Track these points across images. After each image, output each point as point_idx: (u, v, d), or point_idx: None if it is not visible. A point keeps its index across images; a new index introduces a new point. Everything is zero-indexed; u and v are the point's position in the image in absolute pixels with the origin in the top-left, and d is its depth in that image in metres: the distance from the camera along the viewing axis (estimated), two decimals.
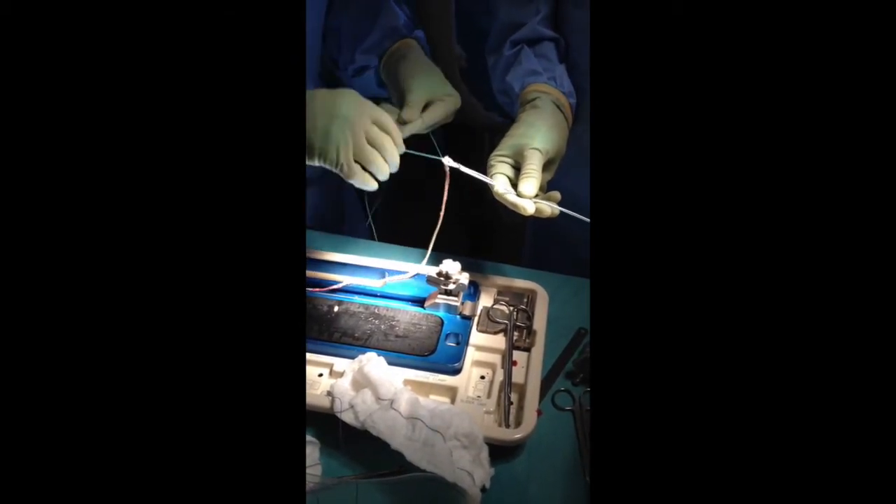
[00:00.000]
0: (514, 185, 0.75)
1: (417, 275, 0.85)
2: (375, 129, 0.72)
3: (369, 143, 0.71)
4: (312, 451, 0.67)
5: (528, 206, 0.73)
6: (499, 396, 0.74)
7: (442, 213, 0.76)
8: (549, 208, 0.74)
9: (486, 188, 0.77)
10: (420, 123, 0.80)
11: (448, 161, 0.74)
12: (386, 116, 0.73)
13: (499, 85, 0.92)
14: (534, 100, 0.84)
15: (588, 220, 0.71)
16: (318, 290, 0.85)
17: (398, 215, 1.29)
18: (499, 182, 0.75)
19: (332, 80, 1.01)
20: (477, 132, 1.38)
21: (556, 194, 0.77)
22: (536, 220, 0.77)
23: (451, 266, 0.81)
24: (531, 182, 0.73)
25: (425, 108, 0.81)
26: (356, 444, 0.68)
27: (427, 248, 0.95)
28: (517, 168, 0.76)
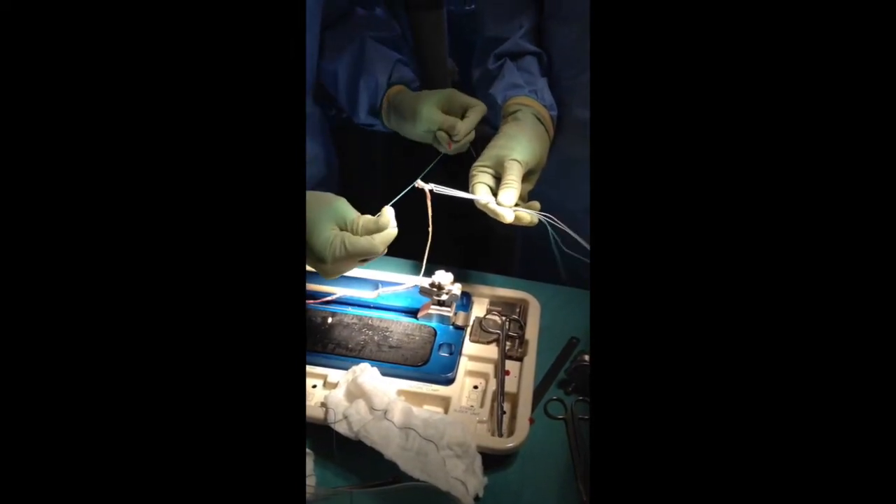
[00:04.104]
0: (496, 194, 0.77)
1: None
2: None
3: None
4: (307, 462, 0.68)
5: (508, 215, 0.75)
6: (492, 406, 0.75)
7: (430, 231, 0.78)
8: (529, 216, 0.76)
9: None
10: (465, 141, 0.84)
11: (423, 185, 0.76)
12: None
13: (483, 98, 0.94)
14: (515, 112, 0.86)
15: (569, 230, 0.73)
16: (312, 301, 0.85)
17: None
18: (479, 192, 0.77)
19: (325, 100, 1.03)
20: (470, 142, 1.39)
21: (536, 204, 0.78)
22: (527, 231, 0.78)
23: (443, 277, 0.82)
24: (511, 192, 0.75)
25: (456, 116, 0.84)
26: (350, 454, 0.68)
27: (420, 259, 0.96)
28: (498, 178, 0.78)
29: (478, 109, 0.83)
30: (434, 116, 0.83)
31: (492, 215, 0.76)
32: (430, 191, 0.75)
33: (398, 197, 0.74)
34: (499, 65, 0.92)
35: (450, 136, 0.82)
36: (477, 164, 0.79)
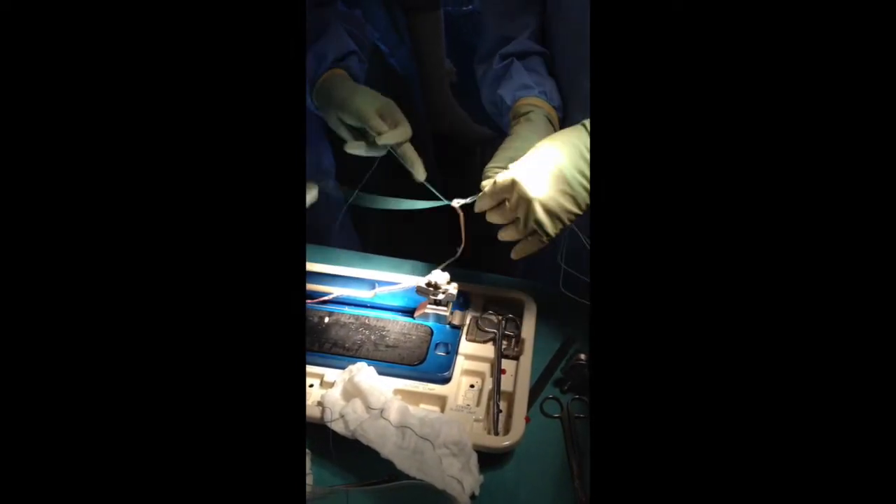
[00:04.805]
0: None
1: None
2: None
3: None
4: None
5: None
6: (488, 404, 0.75)
7: (459, 250, 0.79)
8: None
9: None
10: (394, 135, 0.81)
11: (457, 203, 0.77)
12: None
13: (489, 96, 0.94)
14: (527, 113, 0.85)
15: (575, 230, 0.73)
16: (309, 301, 0.86)
17: (388, 227, 1.31)
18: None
19: None
20: (468, 145, 1.39)
21: None
22: None
23: (439, 276, 0.82)
24: None
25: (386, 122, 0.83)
26: (347, 453, 0.69)
27: (416, 259, 0.96)
28: None
29: (405, 130, 0.82)
30: (367, 111, 0.81)
31: None
32: (461, 208, 0.76)
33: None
34: (505, 64, 0.92)
35: (374, 134, 0.81)
36: (491, 164, 0.79)
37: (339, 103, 0.84)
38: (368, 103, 0.82)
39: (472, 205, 0.77)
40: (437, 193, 0.78)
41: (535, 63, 0.92)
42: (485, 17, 0.97)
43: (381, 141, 0.81)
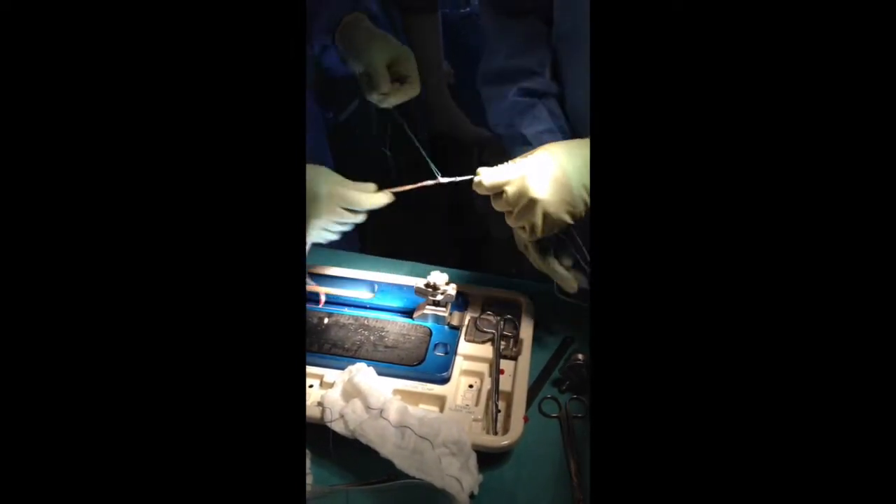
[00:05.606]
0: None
1: (406, 286, 0.87)
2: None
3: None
4: None
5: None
6: (486, 404, 0.75)
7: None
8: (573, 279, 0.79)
9: (475, 202, 0.79)
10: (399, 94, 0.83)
11: (444, 180, 0.79)
12: (352, 196, 0.76)
13: (500, 120, 0.94)
14: None
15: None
16: (308, 302, 0.86)
17: (387, 228, 1.31)
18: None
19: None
20: (466, 146, 1.40)
21: None
22: None
23: (438, 278, 0.83)
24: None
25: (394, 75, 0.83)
26: (346, 452, 0.69)
27: (416, 261, 0.96)
28: None
29: (412, 88, 0.83)
30: (377, 64, 0.82)
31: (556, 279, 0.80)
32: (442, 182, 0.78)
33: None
34: (528, 102, 0.91)
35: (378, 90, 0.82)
36: None
37: (357, 50, 0.84)
38: (380, 54, 0.82)
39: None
40: (433, 166, 0.80)
41: (554, 105, 0.92)
42: (489, 34, 0.96)
43: (383, 104, 0.82)
